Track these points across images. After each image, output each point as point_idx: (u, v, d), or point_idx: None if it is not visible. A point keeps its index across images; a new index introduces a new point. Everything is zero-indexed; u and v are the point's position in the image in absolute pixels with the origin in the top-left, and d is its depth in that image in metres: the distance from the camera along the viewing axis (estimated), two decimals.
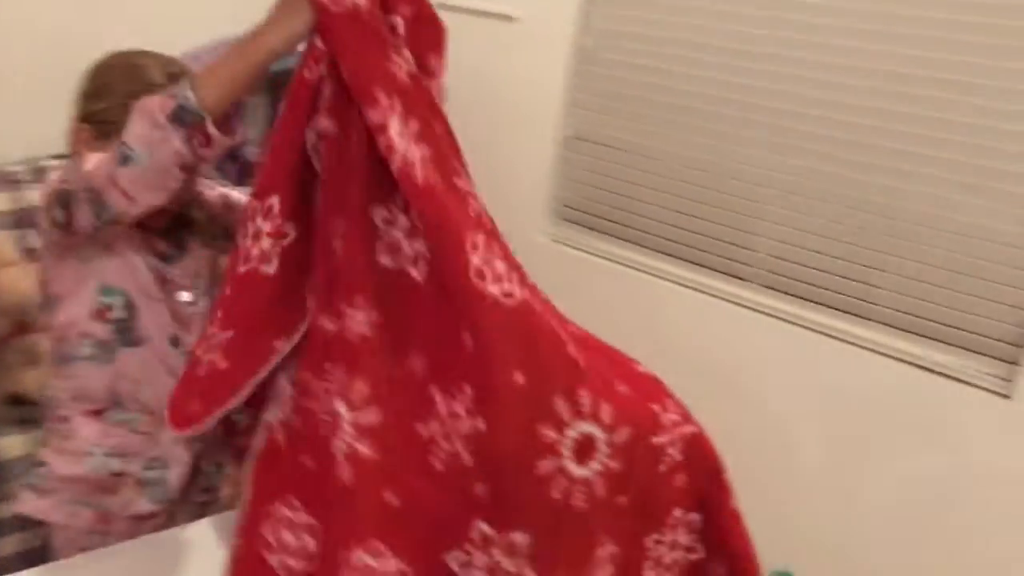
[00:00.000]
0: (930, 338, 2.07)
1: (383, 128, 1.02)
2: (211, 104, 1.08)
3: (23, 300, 1.83)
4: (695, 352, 2.42)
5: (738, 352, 2.37)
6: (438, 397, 1.04)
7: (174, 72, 1.33)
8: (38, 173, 2.34)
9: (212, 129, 1.09)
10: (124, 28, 2.58)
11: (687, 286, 2.46)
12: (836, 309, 2.22)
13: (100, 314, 1.32)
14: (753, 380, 2.34)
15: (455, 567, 1.05)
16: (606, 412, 1.06)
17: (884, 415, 2.12)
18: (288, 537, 1.13)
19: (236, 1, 2.78)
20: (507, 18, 2.81)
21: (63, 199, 1.20)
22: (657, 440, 1.13)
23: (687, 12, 2.42)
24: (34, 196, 2.25)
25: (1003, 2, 1.92)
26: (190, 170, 1.13)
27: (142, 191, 1.13)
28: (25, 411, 1.87)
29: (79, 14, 2.52)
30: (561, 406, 1.03)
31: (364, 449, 1.06)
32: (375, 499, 1.05)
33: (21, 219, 2.20)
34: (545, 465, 1.02)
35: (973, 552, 2.01)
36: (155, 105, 1.09)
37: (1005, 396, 1.94)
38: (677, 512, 1.16)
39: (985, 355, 2.00)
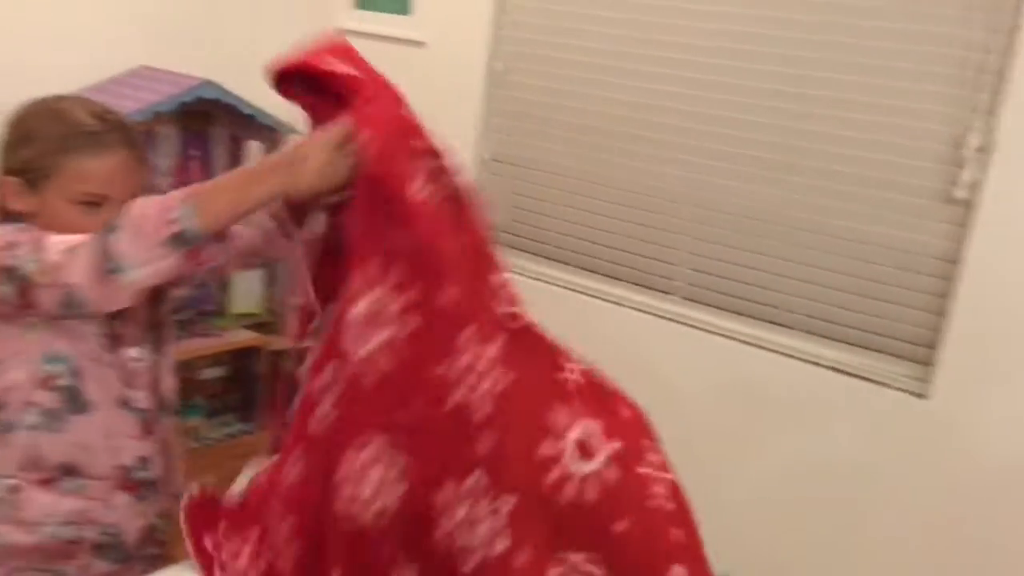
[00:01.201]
0: (848, 343, 2.20)
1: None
2: (213, 228, 1.10)
3: None
4: (620, 364, 2.48)
5: (661, 362, 2.45)
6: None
7: (96, 111, 1.30)
8: None
9: (208, 246, 1.11)
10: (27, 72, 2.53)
11: (611, 301, 2.54)
12: (754, 318, 2.34)
13: (45, 382, 1.28)
14: (676, 388, 2.43)
15: (438, 504, 1.10)
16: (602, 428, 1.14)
17: (805, 418, 2.24)
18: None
19: (140, 33, 2.75)
20: (418, 44, 2.83)
21: (15, 277, 1.16)
22: (642, 471, 1.18)
23: (593, 34, 2.51)
24: None
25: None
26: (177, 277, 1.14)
27: (126, 296, 1.13)
28: None
29: None
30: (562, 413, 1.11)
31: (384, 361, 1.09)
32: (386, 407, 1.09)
33: None
34: (547, 451, 1.11)
35: (895, 551, 2.14)
36: (151, 225, 1.08)
37: (920, 396, 2.08)
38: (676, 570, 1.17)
39: (901, 357, 2.13)
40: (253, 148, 2.98)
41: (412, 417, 1.08)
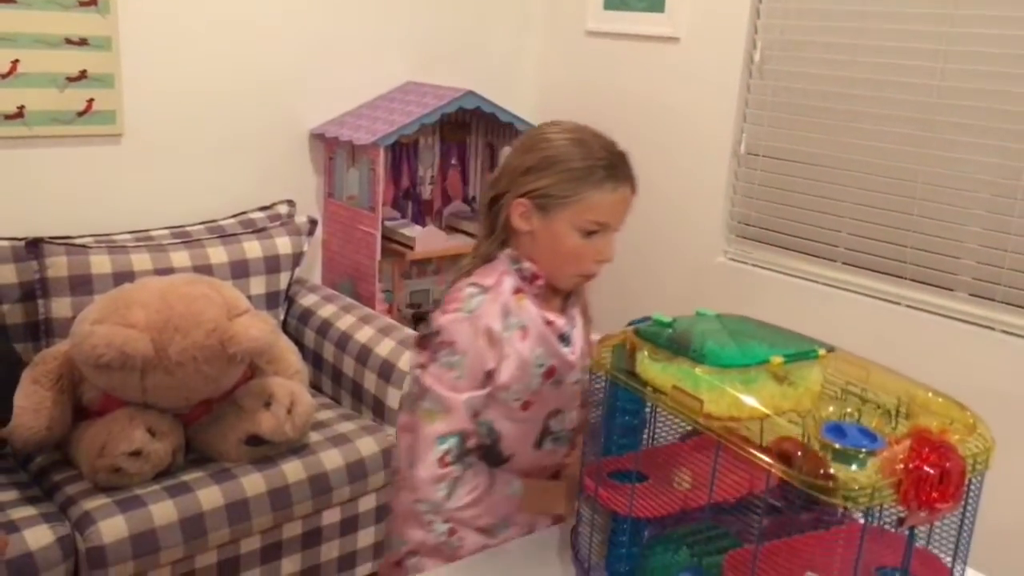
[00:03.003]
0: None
1: None
2: None
3: (254, 346, 1.95)
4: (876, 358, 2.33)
5: (914, 352, 2.26)
6: None
7: (608, 144, 1.34)
8: (247, 225, 2.50)
9: None
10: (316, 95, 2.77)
11: (864, 294, 2.39)
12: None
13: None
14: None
15: None
16: None
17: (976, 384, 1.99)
18: None
19: (405, 51, 2.94)
20: (672, 39, 2.81)
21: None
22: None
23: (851, 14, 2.37)
24: (251, 247, 2.41)
25: None
26: None
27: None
28: (263, 450, 1.99)
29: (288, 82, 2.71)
30: None
31: None
32: None
33: (239, 269, 2.35)
34: None
35: None
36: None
37: None
38: None
39: None
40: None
41: None
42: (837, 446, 0.84)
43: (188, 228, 2.44)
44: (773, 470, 0.86)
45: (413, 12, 2.93)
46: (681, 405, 0.98)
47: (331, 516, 2.09)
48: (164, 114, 2.49)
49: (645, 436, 1.19)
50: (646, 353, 1.07)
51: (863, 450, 0.84)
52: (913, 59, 2.27)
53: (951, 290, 2.27)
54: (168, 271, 2.20)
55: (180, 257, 2.27)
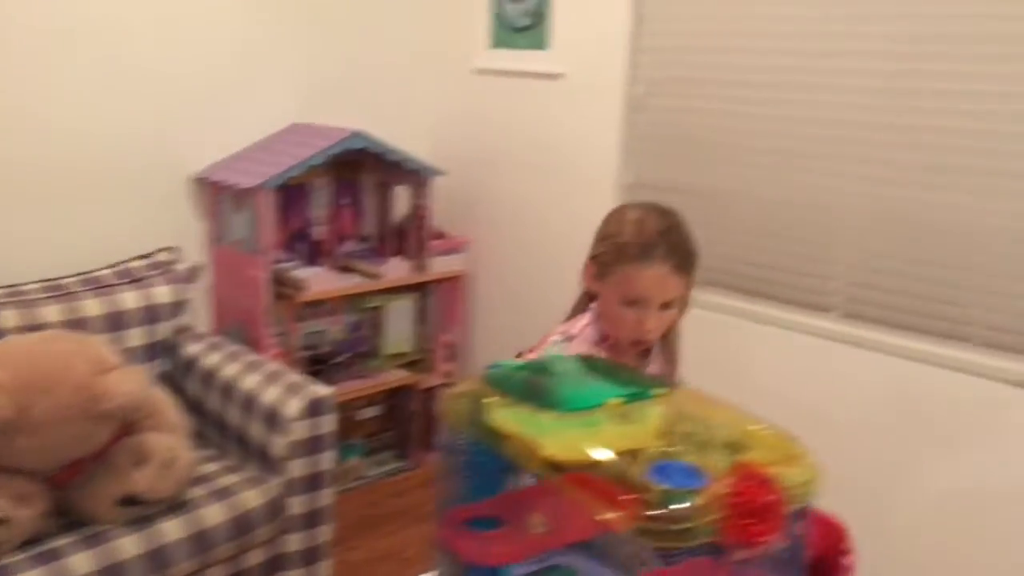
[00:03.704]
0: None
1: None
2: None
3: (126, 401, 1.88)
4: (782, 387, 2.39)
5: (822, 383, 2.34)
6: None
7: (656, 227, 1.46)
8: (124, 275, 2.42)
9: None
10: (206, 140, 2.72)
11: (762, 322, 2.44)
12: (924, 332, 2.18)
13: None
14: (839, 411, 2.30)
15: None
16: None
17: (982, 437, 2.07)
18: None
19: (292, 93, 2.91)
20: (556, 76, 2.86)
21: None
22: None
23: (730, 50, 2.45)
24: (128, 297, 2.33)
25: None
26: None
27: None
28: (138, 510, 1.92)
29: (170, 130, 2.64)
30: None
31: None
32: None
33: (115, 322, 2.28)
34: None
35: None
36: None
37: None
38: None
39: None
40: (400, 192, 3.08)
41: None
42: (659, 487, 0.85)
43: (61, 281, 2.35)
44: (596, 516, 0.86)
45: (299, 52, 2.92)
46: (521, 450, 0.98)
47: (215, 574, 2.02)
48: (34, 158, 2.40)
49: (506, 481, 1.19)
50: (495, 400, 1.07)
51: (686, 489, 0.85)
52: (786, 93, 2.35)
53: (826, 310, 2.35)
54: (37, 327, 2.11)
55: (50, 312, 2.18)
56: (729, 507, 0.84)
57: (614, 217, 1.53)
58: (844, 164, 2.26)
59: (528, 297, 3.06)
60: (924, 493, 2.18)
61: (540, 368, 1.08)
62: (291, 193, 2.90)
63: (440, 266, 3.07)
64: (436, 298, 3.20)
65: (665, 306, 1.47)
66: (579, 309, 1.60)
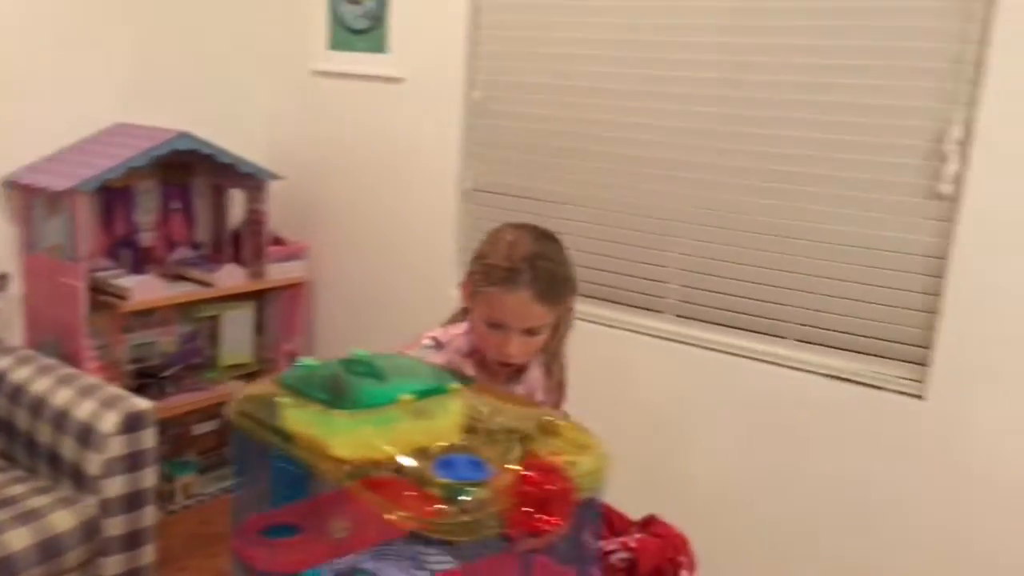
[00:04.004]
0: (843, 349, 2.14)
1: None
2: None
3: None
4: (624, 388, 2.44)
5: (661, 383, 2.40)
6: None
7: (522, 254, 1.44)
8: None
9: None
10: None
11: (601, 323, 2.48)
12: (747, 330, 2.28)
13: None
14: (677, 409, 2.37)
15: None
16: None
17: (805, 428, 2.18)
18: None
19: (114, 91, 2.76)
20: (396, 80, 2.83)
21: None
22: None
23: (568, 57, 2.49)
24: None
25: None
26: None
27: None
28: None
29: None
30: None
31: None
32: None
33: None
34: None
35: (903, 555, 2.07)
36: None
37: (918, 397, 2.02)
38: None
39: (897, 360, 2.07)
40: (235, 196, 2.97)
41: None
42: (443, 480, 0.83)
43: None
44: (386, 516, 0.83)
45: (123, 47, 2.76)
46: (310, 451, 0.94)
47: None
48: None
49: (312, 485, 1.14)
50: (288, 401, 1.03)
51: (470, 482, 0.83)
52: (622, 100, 2.41)
53: (660, 312, 2.42)
54: None
55: None
56: (514, 497, 0.84)
57: (492, 236, 1.52)
58: (676, 169, 2.34)
59: (371, 303, 3.00)
60: (759, 474, 2.27)
61: (336, 367, 1.05)
62: (114, 197, 2.73)
63: (278, 273, 2.97)
64: (275, 306, 3.10)
65: (529, 332, 1.45)
66: (458, 318, 1.59)
